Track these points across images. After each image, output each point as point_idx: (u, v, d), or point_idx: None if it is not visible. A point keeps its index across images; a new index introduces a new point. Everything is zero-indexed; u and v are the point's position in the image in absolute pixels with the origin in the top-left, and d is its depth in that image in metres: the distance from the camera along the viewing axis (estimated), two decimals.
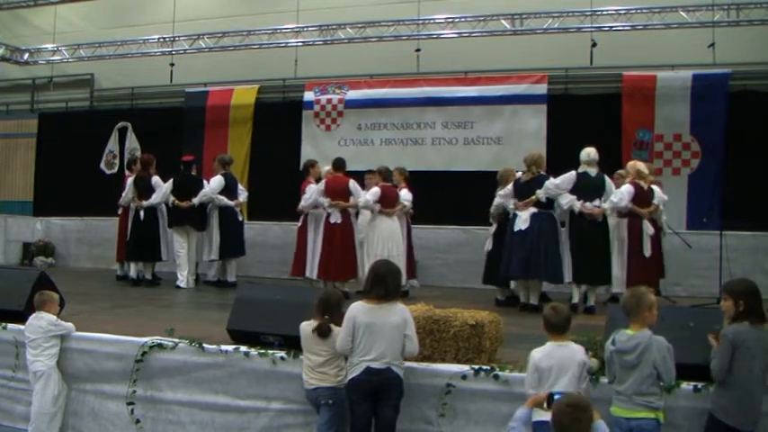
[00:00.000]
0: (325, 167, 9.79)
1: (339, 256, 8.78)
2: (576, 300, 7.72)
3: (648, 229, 7.68)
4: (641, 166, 7.97)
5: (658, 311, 4.02)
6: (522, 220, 7.76)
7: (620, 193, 7.62)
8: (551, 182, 7.74)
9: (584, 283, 7.81)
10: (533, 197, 7.76)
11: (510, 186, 8.05)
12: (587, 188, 7.75)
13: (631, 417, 3.81)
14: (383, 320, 4.31)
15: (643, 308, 3.91)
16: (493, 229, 8.53)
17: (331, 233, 8.87)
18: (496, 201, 8.30)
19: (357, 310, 4.37)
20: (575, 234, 7.80)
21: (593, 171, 7.81)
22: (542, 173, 7.90)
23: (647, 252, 7.63)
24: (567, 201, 7.68)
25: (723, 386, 3.83)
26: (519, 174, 8.16)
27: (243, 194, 10.31)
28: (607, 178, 7.94)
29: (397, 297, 4.50)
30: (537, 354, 4.06)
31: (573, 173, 7.77)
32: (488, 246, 8.58)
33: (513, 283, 8.23)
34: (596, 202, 7.72)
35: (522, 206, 7.82)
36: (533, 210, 7.77)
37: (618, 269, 7.71)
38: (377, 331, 4.28)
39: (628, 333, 3.90)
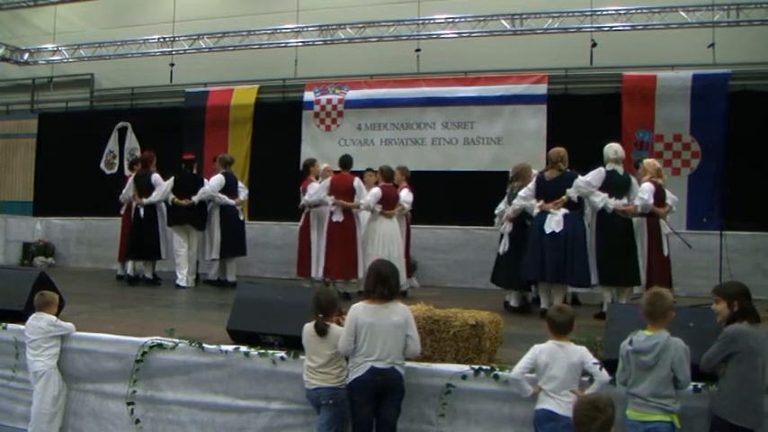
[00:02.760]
0: (323, 165, 9.78)
1: (341, 255, 8.77)
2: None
3: (665, 227, 7.53)
4: (660, 165, 7.78)
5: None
6: (556, 222, 7.30)
7: (645, 192, 7.33)
8: (582, 180, 7.39)
9: (615, 286, 7.51)
10: (564, 197, 7.36)
11: (531, 186, 7.60)
12: (616, 186, 7.46)
13: (647, 420, 3.82)
14: (386, 320, 4.31)
15: (666, 308, 3.93)
16: (508, 229, 7.95)
17: (333, 232, 8.88)
18: (517, 203, 7.68)
19: (359, 310, 4.35)
20: (604, 234, 7.44)
21: (620, 169, 7.53)
22: (569, 170, 7.52)
23: (666, 251, 7.48)
24: (601, 199, 7.34)
25: (729, 387, 3.83)
26: (535, 171, 7.95)
27: (243, 192, 10.28)
28: (632, 176, 7.69)
29: (398, 296, 4.51)
30: (538, 348, 4.19)
31: (602, 170, 7.46)
32: (505, 247, 7.96)
33: (534, 289, 7.84)
34: (624, 201, 7.45)
35: (553, 207, 7.37)
36: (565, 210, 7.36)
37: (641, 270, 7.43)
38: (380, 331, 4.28)
39: (646, 333, 3.90)
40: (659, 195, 7.48)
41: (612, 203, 7.38)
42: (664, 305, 3.94)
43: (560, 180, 7.45)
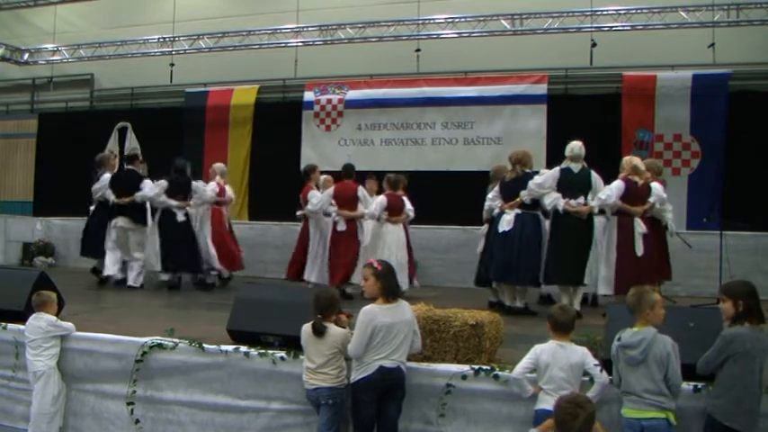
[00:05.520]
0: (322, 176, 9.71)
1: (342, 263, 8.78)
2: (565, 301, 7.21)
3: (640, 227, 7.29)
4: (637, 161, 7.57)
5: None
6: (506, 222, 7.52)
7: (608, 190, 7.26)
8: (533, 182, 7.43)
9: (556, 284, 7.52)
10: (518, 199, 7.51)
11: (497, 187, 7.84)
12: (571, 185, 7.35)
13: (642, 417, 3.83)
14: (401, 318, 4.34)
15: (644, 306, 3.95)
16: (484, 229, 8.27)
17: (337, 241, 8.91)
18: (486, 204, 8.02)
19: (375, 313, 4.30)
20: (557, 233, 7.40)
21: (576, 166, 7.39)
22: (527, 171, 7.63)
23: (639, 251, 7.23)
24: (551, 200, 7.34)
25: (723, 388, 3.83)
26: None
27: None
28: (593, 173, 7.50)
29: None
30: (539, 348, 4.19)
31: (556, 169, 7.43)
32: (480, 247, 8.28)
33: (494, 284, 7.92)
34: (580, 199, 7.33)
35: (507, 207, 7.59)
36: (517, 211, 7.54)
37: (605, 269, 7.37)
38: (396, 330, 4.29)
39: (633, 330, 3.95)
40: (634, 193, 7.32)
41: (563, 203, 7.32)
42: (644, 301, 3.96)
43: (517, 182, 7.60)
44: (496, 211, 7.77)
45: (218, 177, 9.92)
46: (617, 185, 7.30)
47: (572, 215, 7.33)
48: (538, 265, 7.44)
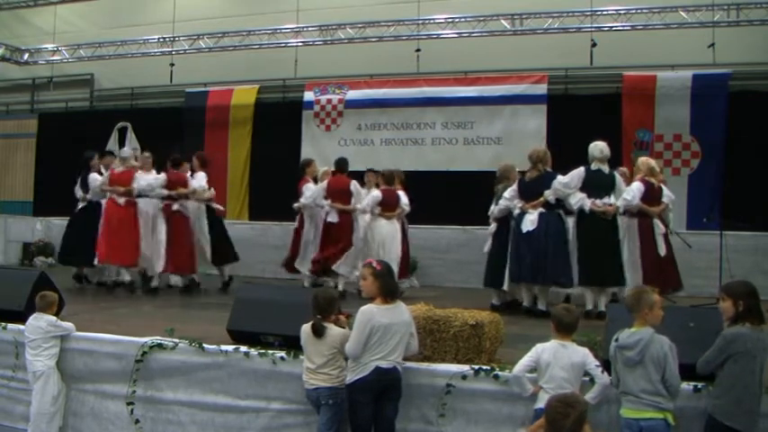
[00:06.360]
0: (323, 168, 9.75)
1: (326, 254, 8.81)
2: (590, 306, 7.22)
3: (659, 227, 7.40)
4: (653, 163, 7.64)
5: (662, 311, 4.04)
6: (530, 221, 7.38)
7: (631, 191, 7.29)
8: (559, 181, 7.37)
9: (594, 286, 7.42)
10: (542, 199, 7.40)
11: (515, 186, 7.70)
12: (598, 185, 7.35)
13: (640, 417, 3.83)
14: (399, 319, 4.34)
15: (643, 306, 3.95)
16: (492, 228, 8.15)
17: (328, 231, 8.92)
18: (502, 203, 7.80)
19: (373, 313, 4.30)
20: (584, 233, 7.36)
21: (605, 167, 7.41)
22: (548, 170, 7.54)
23: (662, 251, 7.34)
24: (578, 200, 7.30)
25: (724, 388, 3.83)
26: (518, 170, 7.98)
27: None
28: (617, 175, 7.59)
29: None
30: (541, 347, 4.18)
31: (581, 169, 7.37)
32: (488, 246, 8.24)
33: (506, 285, 7.81)
34: (606, 200, 7.35)
35: (530, 207, 7.45)
36: (541, 209, 7.42)
37: (632, 271, 7.35)
38: (393, 331, 4.29)
39: (630, 330, 3.94)
40: (652, 194, 7.39)
41: (589, 204, 7.31)
42: (643, 301, 3.95)
43: (539, 180, 7.50)
44: (517, 211, 7.61)
45: (115, 162, 9.38)
46: (637, 187, 7.33)
47: (598, 215, 7.31)
48: (566, 264, 7.37)
